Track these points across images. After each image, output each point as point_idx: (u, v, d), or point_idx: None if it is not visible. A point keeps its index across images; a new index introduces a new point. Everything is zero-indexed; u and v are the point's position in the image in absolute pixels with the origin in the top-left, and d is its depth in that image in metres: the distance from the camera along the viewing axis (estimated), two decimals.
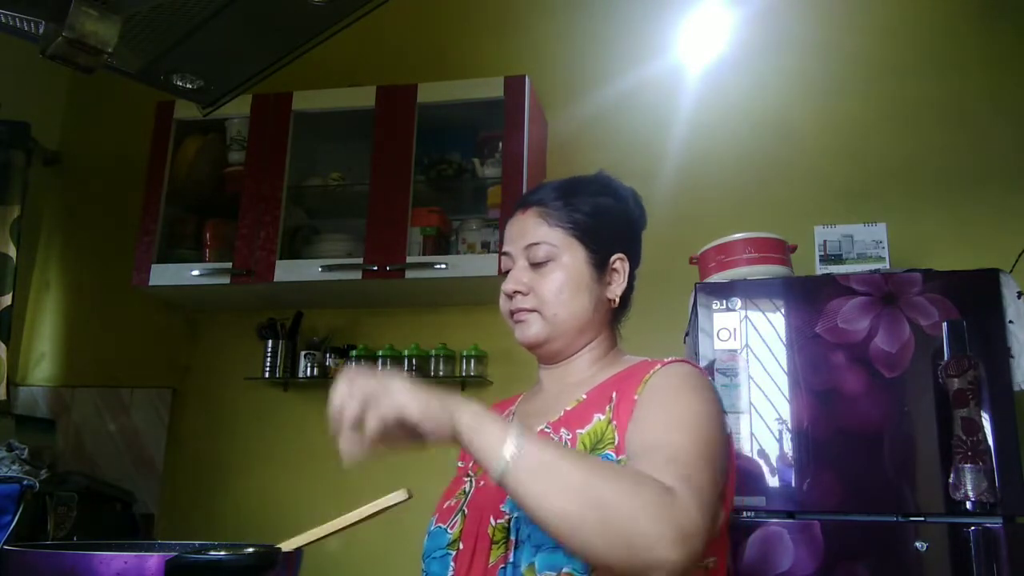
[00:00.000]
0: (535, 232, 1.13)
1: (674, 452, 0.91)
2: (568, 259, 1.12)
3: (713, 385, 1.06)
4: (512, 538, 0.98)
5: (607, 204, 1.18)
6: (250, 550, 0.81)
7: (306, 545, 0.93)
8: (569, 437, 1.04)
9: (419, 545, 1.13)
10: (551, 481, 0.83)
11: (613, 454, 0.98)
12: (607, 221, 1.17)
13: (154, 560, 0.77)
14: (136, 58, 1.19)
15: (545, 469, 0.84)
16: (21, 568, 0.81)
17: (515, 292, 1.12)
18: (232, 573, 0.79)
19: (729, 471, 1.04)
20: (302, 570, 0.97)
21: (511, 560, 0.97)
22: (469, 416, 0.87)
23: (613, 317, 1.20)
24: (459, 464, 1.22)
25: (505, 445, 0.84)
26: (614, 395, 1.05)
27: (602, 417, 1.04)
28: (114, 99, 3.20)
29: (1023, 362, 1.88)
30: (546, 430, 1.07)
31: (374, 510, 0.97)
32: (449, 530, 1.07)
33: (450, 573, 1.03)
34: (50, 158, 3.28)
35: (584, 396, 1.09)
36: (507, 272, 1.16)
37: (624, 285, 1.18)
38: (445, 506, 1.12)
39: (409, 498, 0.97)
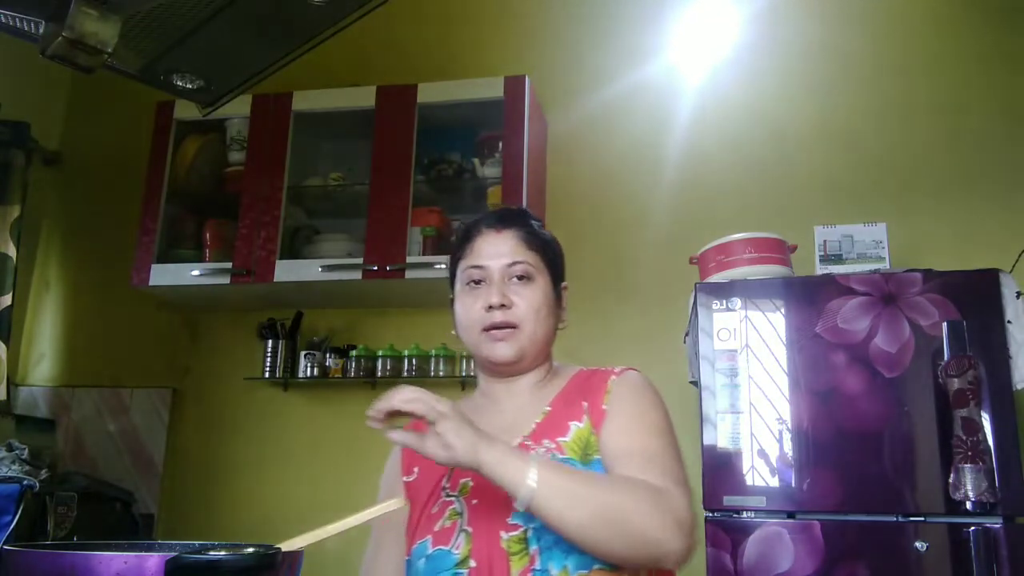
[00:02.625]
0: (517, 251, 1.20)
1: (652, 455, 1.06)
2: (542, 281, 1.21)
3: (653, 385, 1.20)
4: (535, 547, 1.04)
5: (553, 236, 1.29)
6: (250, 550, 0.81)
7: (306, 546, 0.93)
8: (553, 447, 1.11)
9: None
10: (569, 500, 0.96)
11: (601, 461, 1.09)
12: (557, 252, 1.28)
13: (154, 560, 0.77)
14: (136, 58, 1.20)
15: (563, 491, 0.96)
16: (21, 568, 0.81)
17: (500, 305, 1.16)
18: (232, 573, 0.79)
19: None
20: (302, 570, 0.97)
21: (538, 567, 1.03)
22: (492, 455, 0.98)
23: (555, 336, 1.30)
24: (404, 478, 1.24)
25: (528, 476, 0.95)
26: (586, 405, 1.15)
27: (581, 425, 1.13)
28: (114, 99, 3.21)
29: (1022, 362, 1.88)
30: (527, 443, 1.13)
31: (371, 515, 1.01)
32: (454, 551, 1.08)
33: None
34: (50, 158, 3.28)
35: (548, 408, 1.17)
36: (473, 283, 1.20)
37: (567, 310, 1.28)
38: (438, 528, 1.12)
39: (404, 506, 1.10)
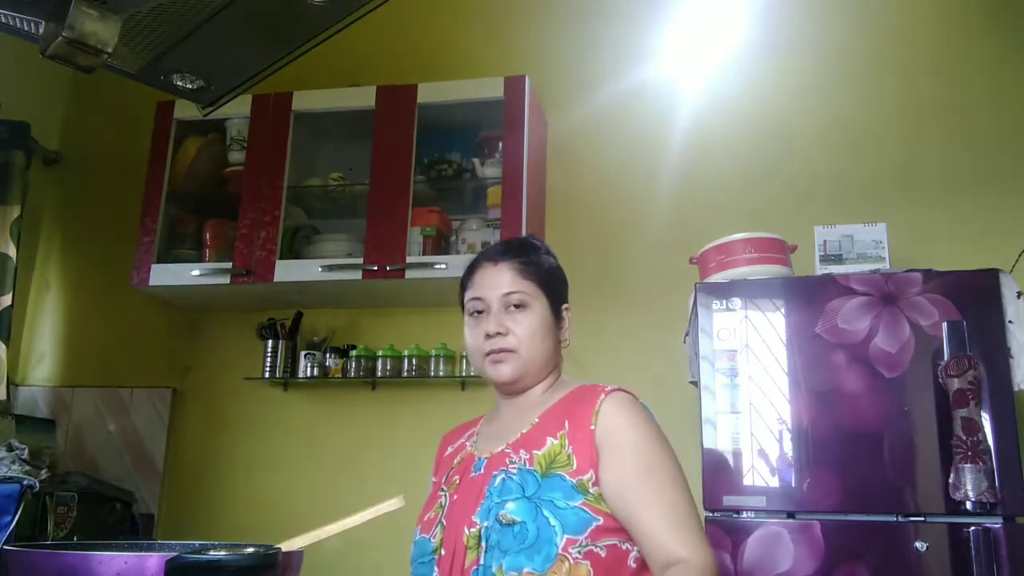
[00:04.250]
0: (512, 283, 1.32)
1: (671, 506, 1.15)
2: (538, 307, 1.32)
3: (644, 407, 1.27)
4: (482, 544, 1.15)
5: (554, 263, 1.41)
6: (250, 550, 0.81)
7: (306, 546, 0.93)
8: (527, 457, 1.22)
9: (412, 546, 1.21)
10: None
11: (566, 475, 1.18)
12: (557, 277, 1.39)
13: (154, 560, 0.78)
14: (136, 58, 1.19)
15: None
16: (21, 568, 0.81)
17: (496, 333, 1.29)
18: (232, 573, 0.79)
19: None
20: (302, 570, 0.97)
21: (482, 563, 1.14)
22: None
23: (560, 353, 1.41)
24: (432, 479, 1.40)
25: None
26: (567, 423, 1.23)
27: (555, 441, 1.22)
28: (114, 99, 3.20)
29: (1023, 362, 1.88)
30: (506, 451, 1.25)
31: (371, 515, 1.02)
32: (432, 539, 1.23)
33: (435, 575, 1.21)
34: (50, 158, 3.29)
35: (536, 419, 1.28)
36: (478, 313, 1.33)
37: (569, 330, 1.39)
38: (426, 518, 1.28)
39: (403, 506, 1.14)
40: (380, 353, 2.78)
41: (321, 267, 2.63)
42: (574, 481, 1.17)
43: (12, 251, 2.95)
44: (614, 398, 1.24)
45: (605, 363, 2.62)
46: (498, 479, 1.21)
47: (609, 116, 2.90)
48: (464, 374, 2.72)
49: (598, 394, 1.25)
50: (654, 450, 1.20)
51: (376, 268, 2.58)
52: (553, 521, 1.13)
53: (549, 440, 1.23)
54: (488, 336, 1.30)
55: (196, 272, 2.73)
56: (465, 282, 1.39)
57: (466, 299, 1.37)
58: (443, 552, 1.19)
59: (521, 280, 1.33)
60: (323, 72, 2.74)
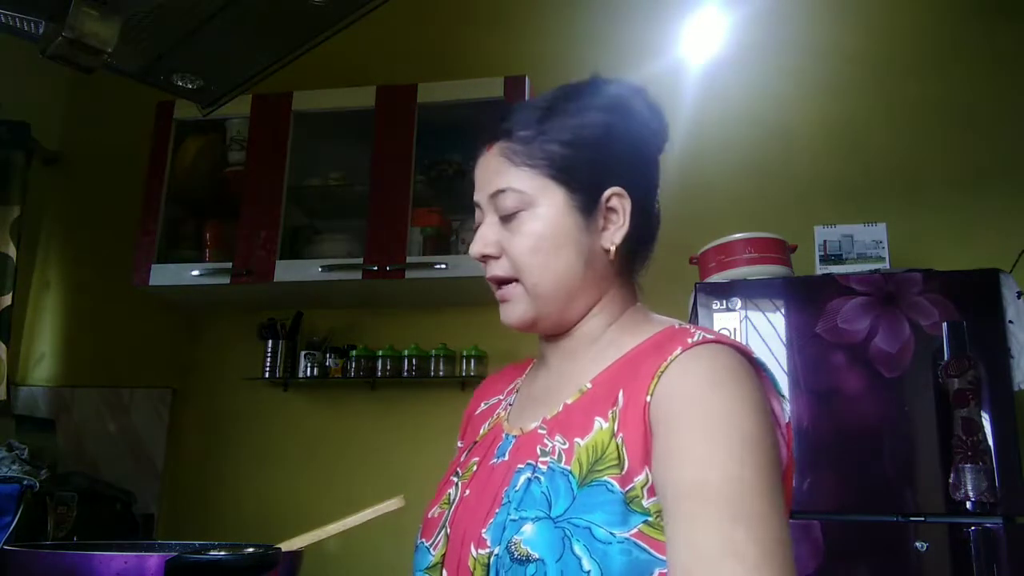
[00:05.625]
0: (499, 176, 0.89)
1: (739, 544, 0.70)
2: (544, 208, 0.87)
3: (751, 371, 0.80)
4: None
5: (595, 122, 0.90)
6: (250, 550, 0.81)
7: (306, 546, 0.93)
8: (565, 448, 0.81)
9: (413, 546, 1.11)
10: None
11: (614, 482, 0.76)
12: (595, 147, 0.89)
13: (154, 560, 0.77)
14: (136, 58, 1.19)
15: None
16: (21, 568, 0.81)
17: (483, 256, 0.90)
18: (232, 573, 0.79)
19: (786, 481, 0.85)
20: (302, 570, 0.97)
21: None
22: None
23: (623, 268, 0.92)
24: (459, 444, 1.02)
25: None
26: (621, 395, 0.81)
27: (604, 425, 0.80)
28: (114, 99, 3.20)
29: (1023, 362, 1.88)
30: (540, 431, 0.85)
31: (371, 515, 1.00)
32: (432, 550, 0.87)
33: None
34: (50, 158, 3.28)
35: (589, 385, 0.86)
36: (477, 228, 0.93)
37: (625, 227, 0.89)
38: (430, 515, 0.91)
39: (403, 506, 0.99)
40: (380, 353, 2.78)
41: (321, 267, 2.63)
42: (624, 492, 0.75)
43: (12, 251, 2.95)
44: (696, 353, 0.79)
45: None
46: (521, 478, 0.81)
47: None
48: (464, 374, 2.72)
49: (676, 343, 0.80)
50: (746, 438, 0.74)
51: (376, 268, 2.58)
52: (588, 565, 0.72)
53: (597, 422, 0.80)
54: (478, 260, 0.91)
55: (196, 272, 2.73)
56: None
57: None
58: (444, 574, 0.84)
59: (513, 170, 0.88)
60: (323, 72, 2.74)
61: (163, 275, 2.74)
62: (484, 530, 0.80)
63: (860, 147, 2.70)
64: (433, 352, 2.75)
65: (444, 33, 3.14)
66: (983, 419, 1.84)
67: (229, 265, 2.69)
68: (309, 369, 2.80)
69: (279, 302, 2.89)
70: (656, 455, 0.75)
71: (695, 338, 0.80)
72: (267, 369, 2.83)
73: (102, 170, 3.30)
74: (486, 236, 0.90)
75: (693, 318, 2.15)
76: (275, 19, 1.16)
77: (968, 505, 1.79)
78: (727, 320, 2.06)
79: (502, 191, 0.89)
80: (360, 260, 2.62)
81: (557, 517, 0.76)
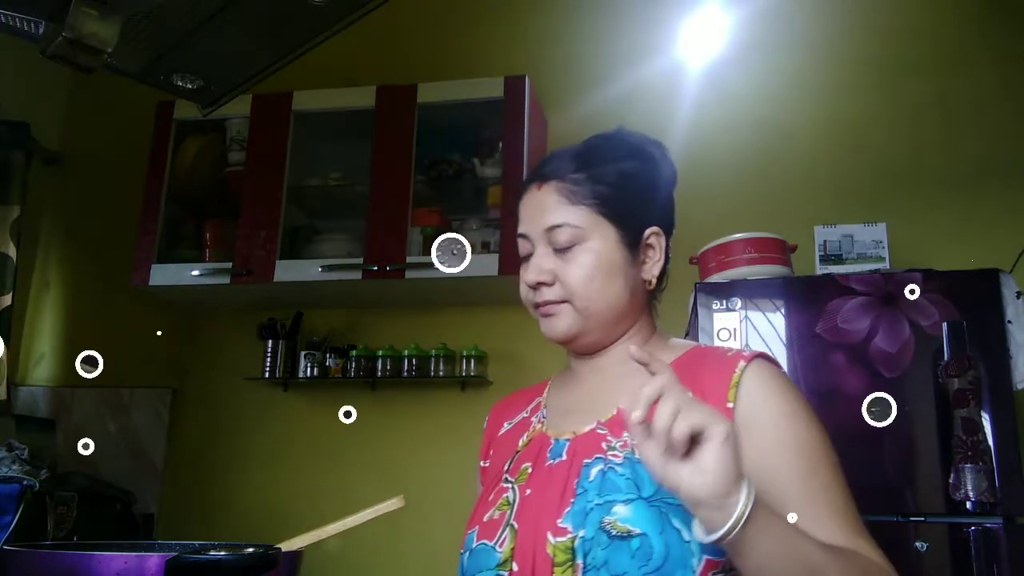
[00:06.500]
0: (556, 212, 0.99)
1: (833, 500, 0.93)
2: (597, 242, 0.99)
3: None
4: (579, 561, 0.86)
5: (634, 170, 1.03)
6: (250, 550, 0.81)
7: (306, 546, 0.93)
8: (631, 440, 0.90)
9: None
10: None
11: None
12: (636, 191, 1.02)
13: (154, 560, 0.78)
14: (136, 58, 1.19)
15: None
16: (21, 568, 0.81)
17: (539, 284, 1.00)
18: (232, 573, 0.79)
19: None
20: (302, 570, 0.97)
21: None
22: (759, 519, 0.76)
23: (651, 297, 1.07)
24: (482, 464, 1.11)
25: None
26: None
27: None
28: (114, 99, 3.20)
29: (1022, 362, 1.88)
30: (599, 431, 0.95)
31: (371, 515, 1.01)
32: (498, 548, 0.93)
33: None
34: (50, 158, 3.28)
35: None
36: (526, 257, 1.03)
37: (661, 263, 1.03)
38: (487, 519, 0.97)
39: (403, 506, 1.01)
40: (380, 353, 2.78)
41: (321, 267, 2.63)
42: None
43: (12, 251, 2.95)
44: (758, 367, 0.93)
45: None
46: (594, 470, 0.91)
47: (609, 116, 2.87)
48: (464, 374, 2.72)
49: (735, 361, 0.94)
50: (816, 440, 0.94)
51: (376, 268, 2.58)
52: (687, 535, 0.83)
53: None
54: (531, 287, 1.01)
55: (196, 272, 2.73)
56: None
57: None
58: (515, 567, 0.89)
59: (569, 208, 0.99)
60: (323, 72, 2.74)
61: (163, 275, 2.74)
62: (560, 520, 0.89)
63: (860, 147, 2.70)
64: (433, 352, 2.75)
65: (444, 33, 3.14)
66: (983, 419, 1.84)
67: (229, 265, 2.69)
68: (309, 369, 2.80)
69: (279, 302, 2.89)
70: (757, 449, 0.88)
71: (747, 354, 0.95)
72: (267, 369, 2.83)
73: (102, 170, 3.30)
74: (542, 265, 1.00)
75: (693, 318, 2.15)
76: (275, 19, 1.16)
77: (968, 505, 1.79)
78: (727, 320, 2.06)
79: (559, 226, 0.99)
80: (360, 260, 2.62)
81: (650, 497, 0.86)
